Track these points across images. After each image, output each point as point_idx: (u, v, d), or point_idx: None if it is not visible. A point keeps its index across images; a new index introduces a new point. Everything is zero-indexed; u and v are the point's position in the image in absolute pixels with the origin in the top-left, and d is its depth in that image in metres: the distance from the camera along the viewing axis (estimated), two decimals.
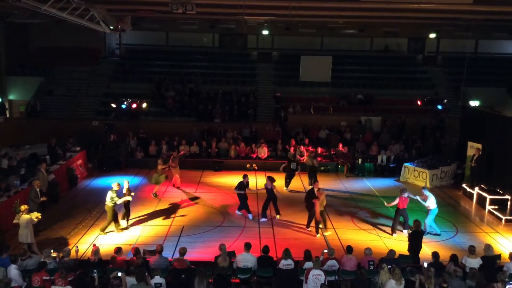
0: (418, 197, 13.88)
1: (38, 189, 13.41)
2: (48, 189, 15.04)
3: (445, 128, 24.63)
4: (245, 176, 15.33)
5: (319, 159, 21.61)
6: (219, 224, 14.49)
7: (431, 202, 13.65)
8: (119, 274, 8.98)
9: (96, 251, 10.17)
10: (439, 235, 13.72)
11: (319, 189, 14.05)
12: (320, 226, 13.78)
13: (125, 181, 14.30)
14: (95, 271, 9.01)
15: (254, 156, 21.63)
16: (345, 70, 30.10)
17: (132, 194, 14.12)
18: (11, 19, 24.94)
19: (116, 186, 13.54)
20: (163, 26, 29.87)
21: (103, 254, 10.32)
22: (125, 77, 28.89)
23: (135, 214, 15.07)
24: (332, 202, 16.32)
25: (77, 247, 11.37)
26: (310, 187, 18.25)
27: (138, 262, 9.71)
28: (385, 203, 14.55)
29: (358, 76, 29.74)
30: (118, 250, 10.15)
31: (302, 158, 19.79)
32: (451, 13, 20.67)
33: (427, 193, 13.81)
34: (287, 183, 18.47)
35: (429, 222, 13.76)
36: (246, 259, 10.07)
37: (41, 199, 13.44)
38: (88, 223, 14.26)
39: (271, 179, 14.84)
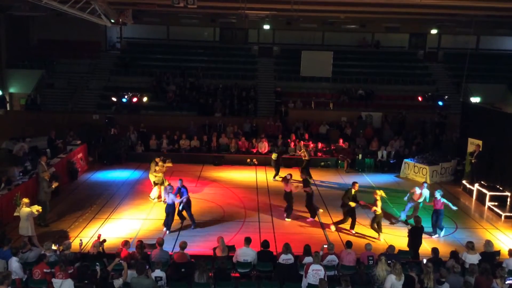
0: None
1: (48, 180, 13.57)
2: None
3: (446, 124, 24.63)
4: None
5: (320, 155, 21.70)
6: (219, 218, 14.52)
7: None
8: (121, 262, 9.03)
9: (96, 244, 10.21)
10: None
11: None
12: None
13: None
14: (97, 264, 9.05)
15: (255, 151, 21.63)
16: (346, 65, 30.05)
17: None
18: (12, 12, 24.89)
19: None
20: (164, 20, 29.80)
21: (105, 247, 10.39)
22: (126, 70, 28.83)
23: (135, 207, 15.16)
24: (332, 198, 16.35)
25: (81, 239, 11.41)
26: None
27: (139, 256, 9.74)
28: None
29: (359, 72, 29.68)
30: (126, 243, 10.16)
31: (300, 152, 19.79)
32: (452, 9, 20.62)
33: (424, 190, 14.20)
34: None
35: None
36: (246, 253, 10.12)
37: (54, 185, 13.67)
38: (88, 216, 14.29)
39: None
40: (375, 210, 13.03)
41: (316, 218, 14.61)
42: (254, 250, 10.25)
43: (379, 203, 13.05)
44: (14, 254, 9.36)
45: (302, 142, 21.68)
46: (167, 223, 13.24)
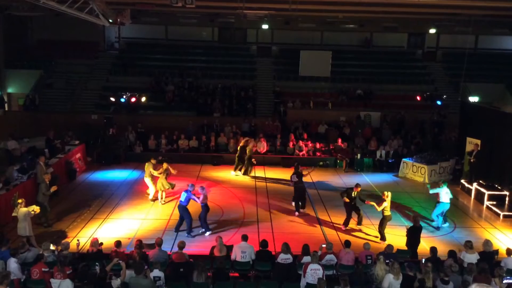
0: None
1: (48, 182, 13.49)
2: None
3: (444, 123, 24.65)
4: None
5: (318, 154, 21.69)
6: (217, 218, 14.51)
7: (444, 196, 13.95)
8: (120, 262, 9.01)
9: (95, 242, 10.22)
10: (437, 228, 13.94)
11: None
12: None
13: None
14: (97, 263, 9.04)
15: (254, 150, 21.58)
16: (345, 65, 30.04)
17: None
18: (10, 12, 24.83)
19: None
20: (162, 19, 29.72)
21: (103, 247, 10.38)
22: (124, 70, 28.80)
23: (133, 207, 15.14)
24: (331, 197, 16.36)
25: (78, 240, 11.39)
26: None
27: (138, 256, 9.73)
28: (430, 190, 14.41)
29: (358, 71, 29.69)
30: (118, 243, 10.16)
31: (300, 153, 19.75)
32: (451, 9, 20.65)
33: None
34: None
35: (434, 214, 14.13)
36: (243, 247, 10.20)
37: (52, 189, 13.53)
38: (86, 216, 14.27)
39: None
40: (383, 212, 12.85)
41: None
42: (251, 245, 10.31)
43: (384, 203, 12.74)
44: (13, 255, 9.33)
45: (301, 141, 21.77)
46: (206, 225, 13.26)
